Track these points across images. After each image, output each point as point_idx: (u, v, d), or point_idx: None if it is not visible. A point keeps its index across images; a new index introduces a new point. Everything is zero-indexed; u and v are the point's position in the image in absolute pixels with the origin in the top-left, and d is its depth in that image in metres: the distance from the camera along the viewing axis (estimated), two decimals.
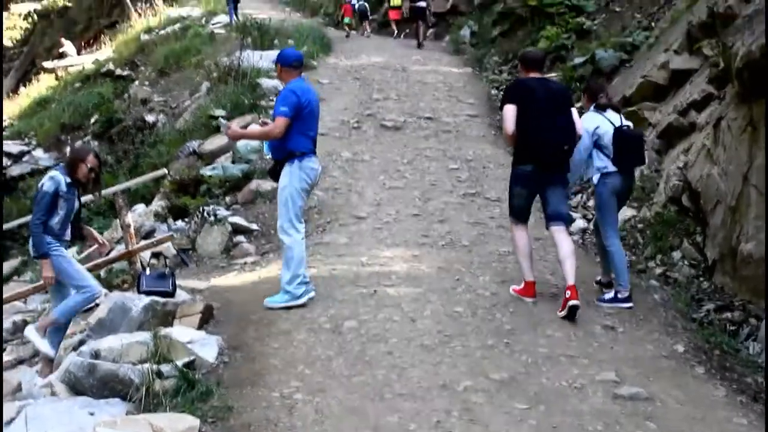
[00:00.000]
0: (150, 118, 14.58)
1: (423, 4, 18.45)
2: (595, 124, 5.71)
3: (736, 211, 5.63)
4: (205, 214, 8.10)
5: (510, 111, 5.43)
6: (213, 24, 21.75)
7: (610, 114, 5.78)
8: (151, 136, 13.29)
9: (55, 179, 5.29)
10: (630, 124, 5.92)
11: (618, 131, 5.64)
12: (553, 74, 11.69)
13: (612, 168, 5.64)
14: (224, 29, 20.36)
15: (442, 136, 10.84)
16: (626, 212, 7.13)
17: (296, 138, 5.47)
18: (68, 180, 5.36)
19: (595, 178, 5.75)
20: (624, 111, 8.70)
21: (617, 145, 5.61)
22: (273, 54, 14.55)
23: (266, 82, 12.68)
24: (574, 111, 5.55)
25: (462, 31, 18.04)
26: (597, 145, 5.69)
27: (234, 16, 21.14)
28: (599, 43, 11.45)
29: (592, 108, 5.88)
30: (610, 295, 5.65)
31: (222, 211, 8.24)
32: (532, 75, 5.67)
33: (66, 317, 5.36)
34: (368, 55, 16.29)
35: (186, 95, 15.25)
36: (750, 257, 5.36)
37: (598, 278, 6.05)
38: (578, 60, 11.24)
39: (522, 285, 5.61)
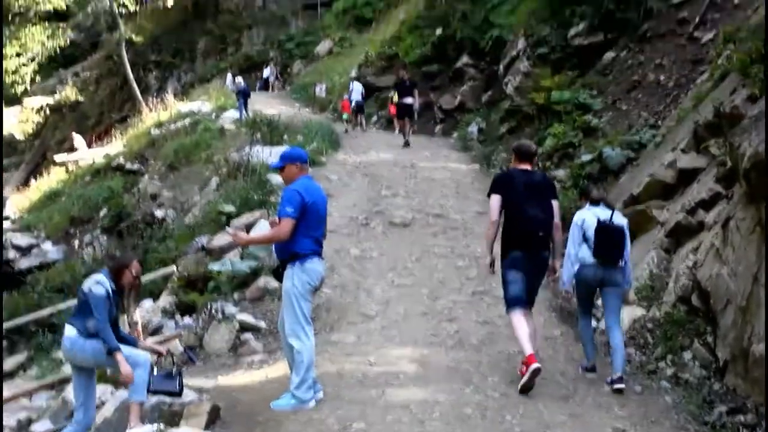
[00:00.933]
0: (159, 213, 14.91)
1: (410, 100, 17.95)
2: (582, 217, 6.31)
3: (746, 311, 5.71)
4: (213, 311, 8.21)
5: (495, 200, 6.14)
6: (223, 119, 22.45)
7: (600, 209, 6.31)
8: (159, 231, 13.56)
9: (102, 284, 5.44)
10: (621, 220, 6.37)
11: (599, 224, 6.15)
12: (560, 171, 12.02)
13: (590, 260, 6.15)
14: (234, 124, 21.01)
15: (450, 233, 11.03)
16: (635, 312, 7.21)
17: (300, 239, 5.47)
18: (113, 285, 5.53)
19: (576, 268, 6.25)
20: (632, 209, 8.97)
21: (596, 237, 6.12)
22: (281, 149, 15.05)
23: (275, 178, 13.03)
24: (555, 203, 6.19)
25: (470, 127, 18.56)
26: (584, 237, 6.23)
27: (244, 112, 21.89)
28: (606, 141, 11.77)
29: (586, 204, 6.46)
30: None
31: (230, 308, 8.35)
32: (522, 166, 6.29)
33: (144, 394, 5.43)
34: (377, 152, 16.75)
35: (195, 190, 15.64)
36: (762, 358, 5.41)
37: (584, 365, 6.42)
38: (586, 158, 11.55)
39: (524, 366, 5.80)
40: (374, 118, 23.68)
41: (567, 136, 12.97)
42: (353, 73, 27.93)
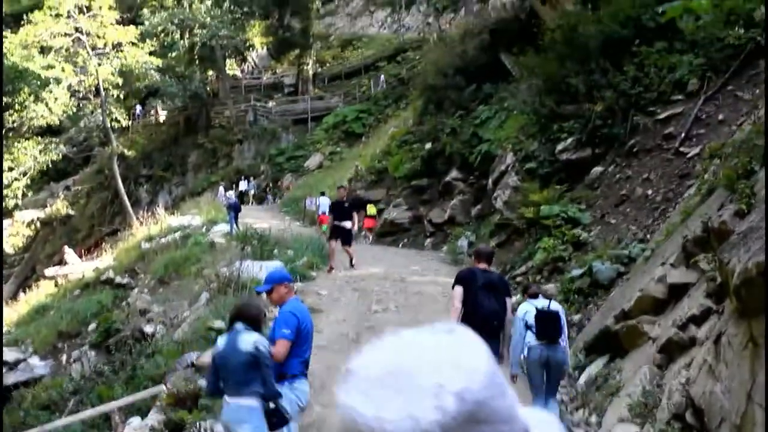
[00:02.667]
0: (148, 328, 14.84)
1: (347, 224, 15.80)
2: (524, 310, 7.60)
3: (741, 429, 5.69)
4: (202, 430, 8.08)
5: (457, 292, 7.27)
6: (213, 233, 22.69)
7: (538, 300, 7.65)
8: (148, 347, 13.46)
9: (263, 340, 5.37)
10: (556, 307, 7.65)
11: (538, 311, 7.42)
12: (551, 285, 12.15)
13: (535, 342, 7.35)
14: (224, 238, 21.21)
15: None
16: (629, 429, 7.17)
17: (290, 360, 5.57)
18: None
19: (525, 351, 7.40)
20: (623, 324, 9.05)
21: (536, 322, 7.36)
22: (272, 264, 15.21)
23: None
24: (509, 299, 7.32)
25: (459, 241, 18.80)
26: (527, 326, 7.43)
27: (234, 225, 22.16)
28: (596, 255, 11.96)
29: (527, 299, 7.83)
30: None
31: (219, 427, 8.23)
32: (481, 266, 7.43)
33: None
34: (367, 265, 16.88)
35: (185, 305, 15.63)
36: None
37: None
38: (576, 272, 11.70)
39: None
40: (363, 233, 24.03)
41: (557, 250, 13.17)
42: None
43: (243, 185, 37.02)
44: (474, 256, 7.86)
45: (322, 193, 25.57)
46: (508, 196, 16.75)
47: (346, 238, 15.77)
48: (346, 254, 16.12)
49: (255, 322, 5.39)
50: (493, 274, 7.60)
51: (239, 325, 5.38)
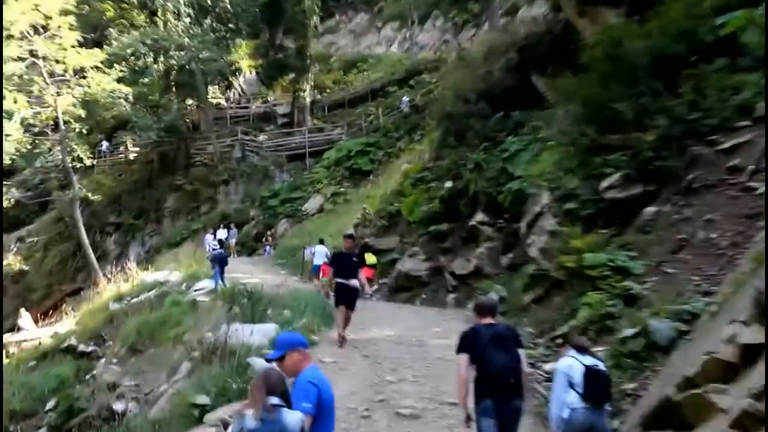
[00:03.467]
0: (118, 406, 14.81)
1: (354, 283, 14.94)
2: (568, 364, 7.91)
3: None
4: None
5: (462, 359, 7.62)
6: (195, 290, 22.75)
7: (584, 356, 7.95)
8: (119, 429, 13.43)
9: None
10: (600, 364, 8.02)
11: (587, 369, 7.74)
12: (598, 348, 12.08)
13: (579, 404, 7.63)
14: (208, 296, 21.26)
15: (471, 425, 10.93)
16: None
17: None
18: None
19: (566, 413, 7.66)
20: (687, 394, 8.97)
21: (585, 382, 7.67)
22: (265, 328, 15.22)
23: (258, 363, 13.06)
24: (521, 351, 7.68)
25: (488, 297, 18.74)
26: (570, 384, 7.72)
27: (220, 281, 22.22)
28: (651, 311, 11.89)
29: (569, 351, 8.12)
30: None
31: None
32: (485, 321, 7.85)
33: None
34: (378, 327, 16.86)
35: (162, 378, 15.62)
36: None
37: None
38: (628, 332, 11.63)
39: None
40: (374, 287, 24.04)
41: (604, 306, 13.11)
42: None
43: (222, 234, 37.08)
44: (475, 312, 8.28)
45: (321, 241, 25.71)
46: (544, 242, 16.78)
47: (352, 300, 14.94)
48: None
49: (286, 395, 5.31)
50: (499, 325, 8.04)
51: (275, 400, 5.26)
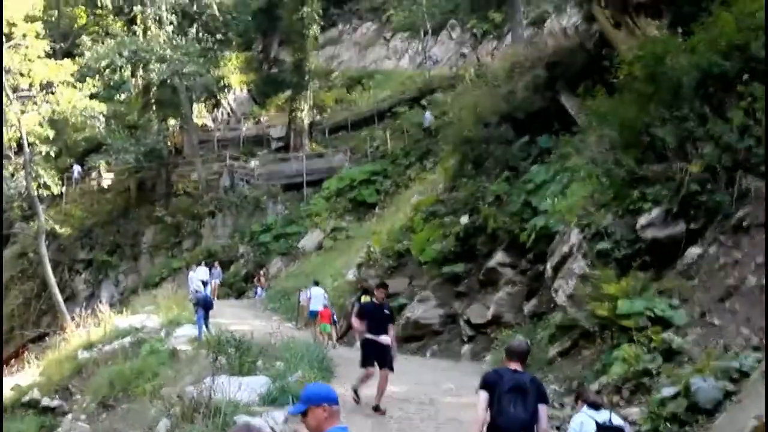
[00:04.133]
0: None
1: (385, 339, 14.53)
2: (579, 421, 8.49)
3: None
4: None
5: (481, 398, 8.10)
6: (176, 337, 22.77)
7: (601, 413, 8.47)
8: None
9: None
10: (618, 421, 8.54)
11: (600, 427, 8.29)
12: (633, 409, 12.10)
13: None
14: (191, 345, 21.28)
15: None
16: None
17: None
18: None
19: None
20: None
21: None
22: (255, 382, 15.25)
23: (244, 420, 13.09)
24: (543, 407, 8.04)
25: None
26: None
27: (204, 328, 22.26)
28: (694, 368, 11.86)
29: (582, 407, 8.68)
30: None
31: None
32: (512, 366, 8.25)
33: None
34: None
35: None
36: None
37: None
38: (667, 391, 11.63)
39: None
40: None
41: (641, 361, 13.09)
42: (350, 275, 28.72)
43: (202, 274, 36.98)
44: (505, 354, 8.61)
45: (316, 283, 25.79)
46: (573, 287, 16.80)
47: (386, 357, 14.35)
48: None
49: None
50: (524, 375, 8.30)
51: None
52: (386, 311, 14.85)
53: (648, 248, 15.82)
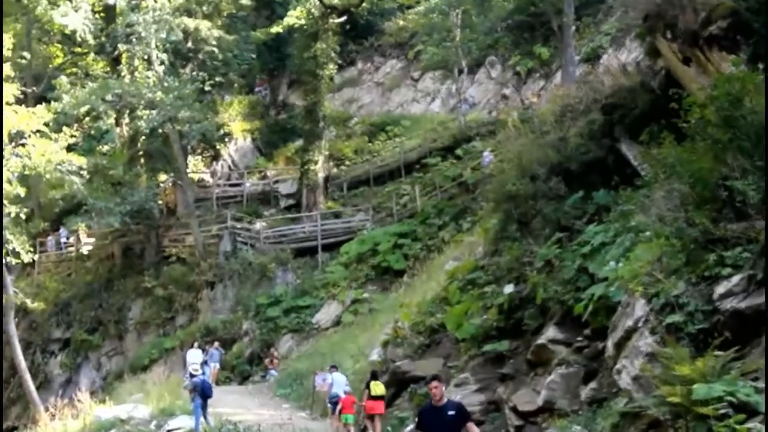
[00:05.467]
0: None
1: (452, 414, 13.82)
2: None
3: None
4: None
5: None
6: (169, 430, 22.81)
7: None
8: None
9: None
10: None
11: None
12: None
13: None
14: None
15: None
16: None
17: None
18: None
19: None
20: None
21: None
22: None
23: None
24: None
25: None
26: None
27: (202, 419, 22.30)
28: None
29: None
30: None
31: None
32: None
33: None
34: None
35: None
36: None
37: None
38: None
39: None
40: (408, 427, 24.02)
41: None
42: (374, 355, 28.70)
43: (195, 356, 36.98)
44: None
45: (333, 367, 25.81)
46: (639, 368, 16.73)
47: None
48: None
49: None
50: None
51: None
52: (450, 413, 13.65)
53: (728, 321, 15.73)
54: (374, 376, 23.82)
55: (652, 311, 17.28)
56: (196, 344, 39.10)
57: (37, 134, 37.75)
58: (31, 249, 41.67)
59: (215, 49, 53.36)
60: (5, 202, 37.65)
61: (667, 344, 16.09)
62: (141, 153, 51.37)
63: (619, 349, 17.92)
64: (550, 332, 22.08)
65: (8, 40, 40.78)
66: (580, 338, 21.31)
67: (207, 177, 60.00)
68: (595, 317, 20.32)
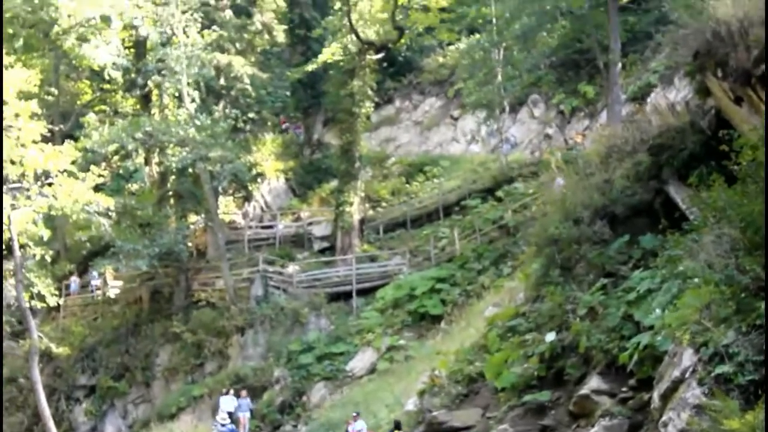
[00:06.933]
0: None
1: None
2: None
3: None
4: None
5: None
6: None
7: None
8: None
9: None
10: None
11: None
12: None
13: None
14: None
15: None
16: None
17: None
18: None
19: None
20: None
21: None
22: None
23: None
24: None
25: None
26: None
27: None
28: None
29: None
30: None
31: None
32: None
33: None
34: None
35: None
36: None
37: None
38: None
39: None
40: None
41: None
42: (410, 404, 28.66)
43: (228, 403, 36.96)
44: None
45: (356, 414, 25.69)
46: (686, 421, 16.64)
47: None
48: None
49: None
50: None
51: None
52: None
53: None
54: (397, 426, 23.75)
55: (700, 361, 17.20)
56: (231, 391, 39.21)
57: (64, 173, 37.83)
58: (56, 292, 41.87)
59: (248, 87, 53.73)
60: (29, 243, 37.94)
61: (716, 396, 16.02)
62: (171, 193, 51.60)
63: (665, 400, 17.84)
64: (594, 382, 22.00)
65: (35, 77, 41.04)
66: (624, 389, 21.23)
67: (238, 218, 60.24)
68: (640, 367, 20.25)
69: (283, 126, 66.43)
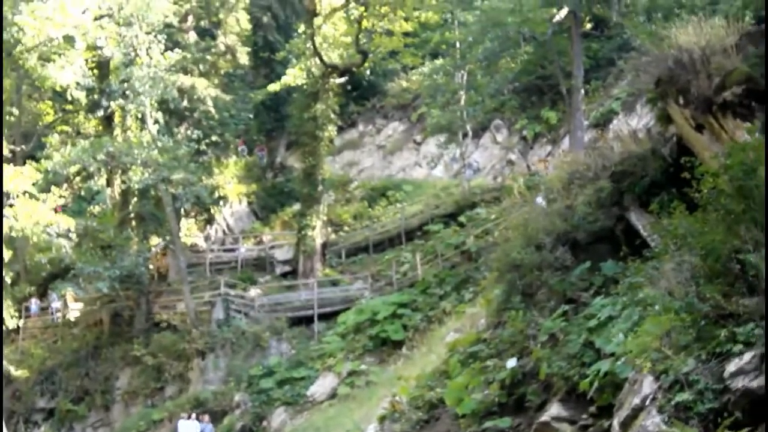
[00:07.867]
0: None
1: None
2: None
3: None
4: None
5: None
6: None
7: None
8: None
9: None
10: None
11: None
12: None
13: None
14: None
15: None
16: None
17: None
18: None
19: None
20: None
21: None
22: None
23: None
24: None
25: None
26: None
27: None
28: None
29: None
30: None
31: None
32: None
33: None
34: None
35: None
36: None
37: None
38: None
39: None
40: None
41: None
42: (371, 430, 28.55)
43: (187, 428, 36.58)
44: None
45: None
46: None
47: None
48: None
49: None
50: None
51: None
52: None
53: (738, 401, 15.65)
54: None
55: (660, 389, 17.22)
56: (192, 415, 38.92)
57: (25, 195, 37.66)
58: (16, 314, 41.64)
59: (211, 109, 53.76)
60: None
61: (675, 424, 16.05)
62: (132, 215, 51.36)
63: (625, 428, 17.84)
64: (554, 409, 21.98)
65: None
66: (585, 416, 21.22)
67: (200, 241, 60.13)
68: (601, 394, 20.25)
69: (240, 148, 66.26)
